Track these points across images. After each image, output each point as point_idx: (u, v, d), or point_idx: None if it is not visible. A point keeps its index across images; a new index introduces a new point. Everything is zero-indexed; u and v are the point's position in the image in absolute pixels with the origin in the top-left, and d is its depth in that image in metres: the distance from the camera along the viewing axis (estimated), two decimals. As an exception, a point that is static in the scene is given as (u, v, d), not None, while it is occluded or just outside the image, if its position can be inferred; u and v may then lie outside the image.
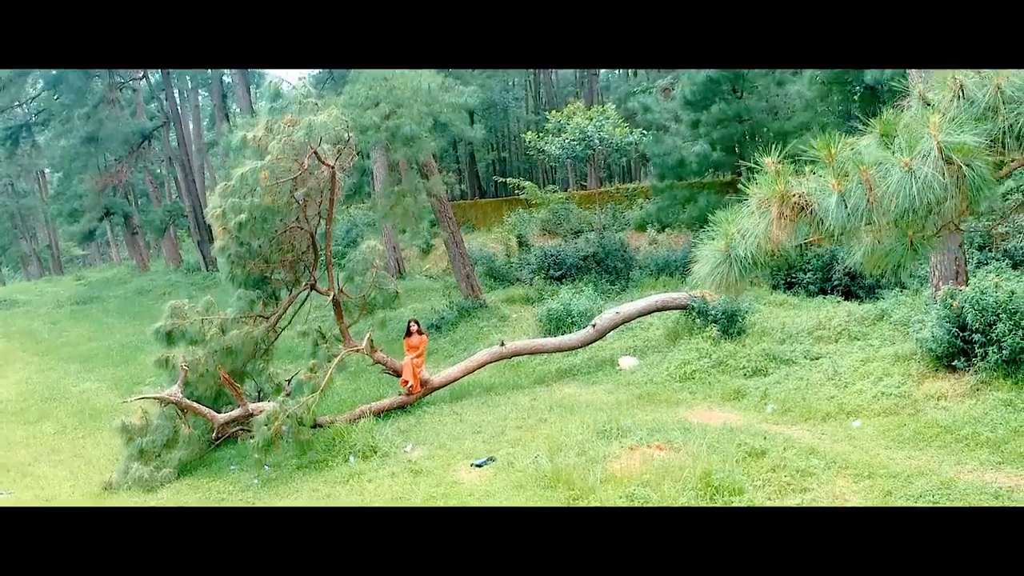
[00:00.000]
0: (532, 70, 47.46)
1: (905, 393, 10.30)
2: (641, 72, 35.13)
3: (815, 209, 3.33)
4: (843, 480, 7.98)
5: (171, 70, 36.48)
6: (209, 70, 38.94)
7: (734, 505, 7.50)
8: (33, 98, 37.80)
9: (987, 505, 7.12)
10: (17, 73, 34.07)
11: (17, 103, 37.27)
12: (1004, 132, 3.06)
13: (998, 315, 9.90)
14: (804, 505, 7.51)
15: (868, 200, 3.13)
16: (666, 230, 22.95)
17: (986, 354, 9.93)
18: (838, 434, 9.56)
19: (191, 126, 44.77)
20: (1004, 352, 9.73)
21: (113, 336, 24.11)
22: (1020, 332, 9.71)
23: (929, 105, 3.34)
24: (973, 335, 10.12)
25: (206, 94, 50.52)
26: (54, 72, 32.54)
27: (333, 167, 11.22)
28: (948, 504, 7.22)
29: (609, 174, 32.34)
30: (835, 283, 16.65)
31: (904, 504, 7.34)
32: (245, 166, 10.45)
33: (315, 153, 10.83)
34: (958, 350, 10.32)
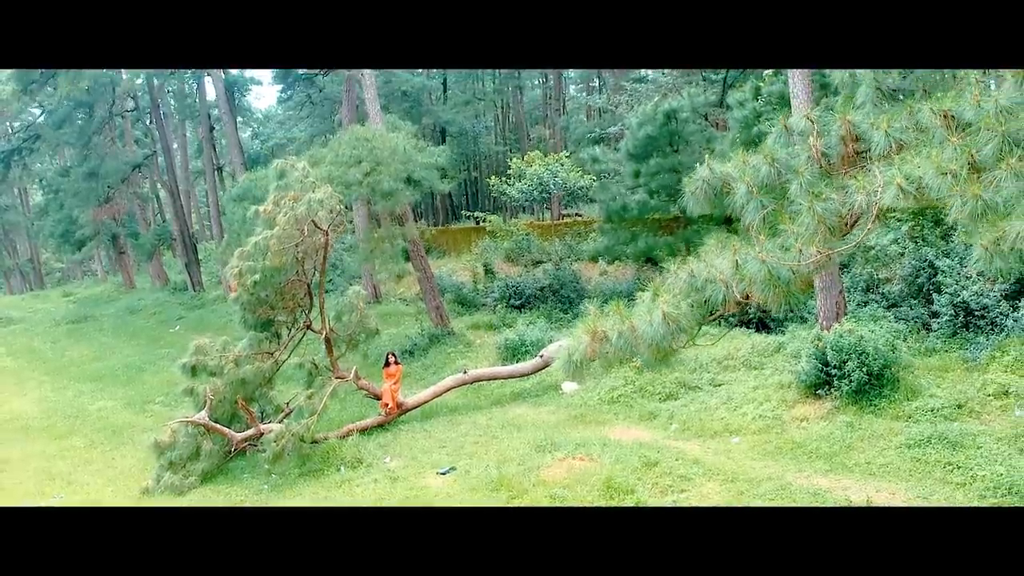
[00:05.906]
0: (501, 98, 50.46)
1: (778, 416, 12.95)
2: (596, 117, 38.12)
3: (610, 338, 6.07)
4: (712, 484, 10.64)
5: (159, 100, 38.75)
6: (197, 101, 41.23)
7: (627, 504, 10.23)
8: (28, 126, 39.70)
9: (812, 504, 9.80)
10: (17, 99, 36.12)
11: (13, 131, 39.17)
12: (706, 300, 5.81)
13: (850, 355, 12.67)
14: (678, 503, 10.25)
15: (633, 336, 5.89)
16: (615, 262, 25.79)
17: (840, 385, 12.62)
18: (720, 448, 12.20)
19: (178, 152, 46.81)
20: (853, 384, 12.34)
21: (115, 356, 26.41)
22: (865, 369, 12.47)
23: (679, 275, 6.11)
24: (832, 370, 12.77)
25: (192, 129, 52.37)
26: (59, 109, 34.53)
27: (327, 232, 13.88)
28: (783, 503, 9.94)
29: (573, 198, 35.26)
30: (751, 316, 19.53)
31: (751, 502, 10.08)
32: (258, 235, 13.11)
33: (313, 222, 13.52)
34: (822, 381, 12.88)
